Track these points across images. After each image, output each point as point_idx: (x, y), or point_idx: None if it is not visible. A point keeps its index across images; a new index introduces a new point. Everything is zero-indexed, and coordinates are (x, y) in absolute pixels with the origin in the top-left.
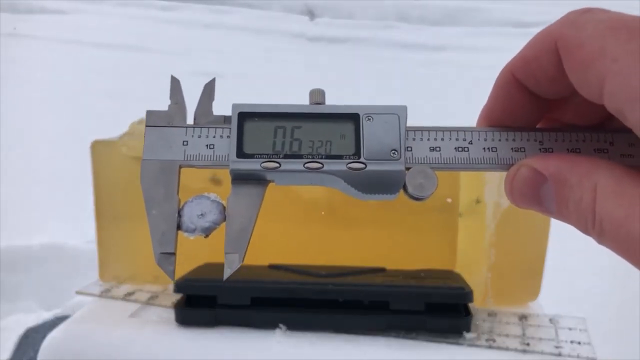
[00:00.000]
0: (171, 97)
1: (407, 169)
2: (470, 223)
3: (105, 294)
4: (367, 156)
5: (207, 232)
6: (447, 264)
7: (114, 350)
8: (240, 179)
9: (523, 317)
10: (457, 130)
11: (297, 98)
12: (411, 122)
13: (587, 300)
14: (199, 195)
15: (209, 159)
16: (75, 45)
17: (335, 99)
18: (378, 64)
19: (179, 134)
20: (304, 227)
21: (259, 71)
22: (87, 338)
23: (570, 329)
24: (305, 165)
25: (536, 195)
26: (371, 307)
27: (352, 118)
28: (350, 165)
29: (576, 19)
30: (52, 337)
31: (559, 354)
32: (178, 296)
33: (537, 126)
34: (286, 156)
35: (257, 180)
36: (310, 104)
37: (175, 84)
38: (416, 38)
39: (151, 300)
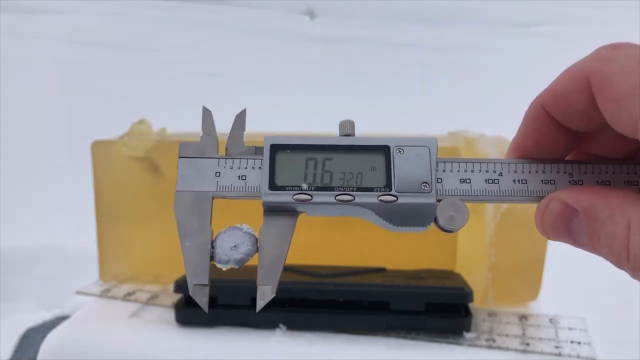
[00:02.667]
0: (203, 128)
1: (438, 201)
2: (470, 223)
3: (105, 294)
4: (398, 189)
5: (239, 264)
6: (447, 264)
7: (114, 350)
8: (272, 210)
9: (523, 317)
10: (487, 162)
11: (297, 98)
12: (411, 121)
13: (587, 300)
14: (231, 226)
15: (241, 190)
16: (75, 45)
17: (336, 99)
18: (378, 64)
19: (212, 165)
20: (304, 227)
21: (258, 71)
22: (87, 338)
23: (570, 329)
24: (337, 197)
25: (567, 229)
26: (371, 307)
27: (382, 150)
28: (381, 197)
29: (607, 55)
30: (52, 337)
31: (559, 354)
32: (178, 296)
33: (567, 158)
34: (318, 188)
35: (288, 211)
36: (340, 135)
37: (207, 115)
38: (416, 38)
39: (151, 300)
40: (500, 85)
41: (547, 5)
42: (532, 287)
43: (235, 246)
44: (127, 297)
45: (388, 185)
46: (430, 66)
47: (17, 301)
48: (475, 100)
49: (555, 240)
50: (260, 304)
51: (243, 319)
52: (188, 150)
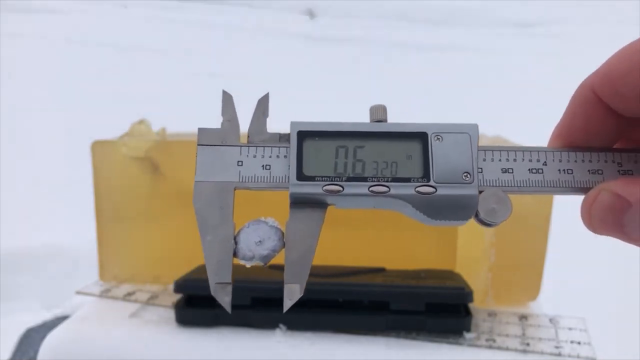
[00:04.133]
0: (223, 114)
1: (479, 192)
2: (471, 223)
3: (105, 294)
4: (437, 179)
5: (265, 260)
6: (447, 264)
7: (114, 350)
8: (299, 202)
9: (523, 317)
10: (531, 150)
11: (297, 97)
12: (411, 121)
13: (587, 300)
14: (255, 220)
15: (265, 180)
16: (75, 45)
17: (336, 99)
18: (378, 64)
19: (233, 153)
20: None
21: (258, 71)
22: (87, 338)
23: (570, 329)
24: (370, 189)
25: (619, 223)
26: (371, 307)
27: (419, 137)
28: (419, 189)
29: None
30: (52, 337)
31: (559, 354)
32: (178, 296)
33: (615, 146)
34: (349, 179)
35: (317, 203)
36: (372, 121)
37: (227, 100)
38: (416, 38)
39: (151, 300)
40: (500, 85)
41: (547, 5)
42: (532, 287)
43: (260, 241)
44: (127, 297)
45: (426, 176)
46: (430, 66)
47: (17, 301)
48: (475, 101)
49: (604, 234)
50: (288, 303)
51: (243, 319)
52: (208, 138)
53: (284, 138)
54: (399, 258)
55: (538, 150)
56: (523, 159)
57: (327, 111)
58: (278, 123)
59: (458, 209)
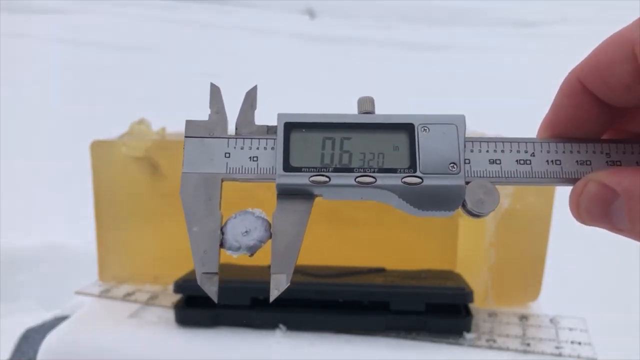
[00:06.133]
0: (211, 106)
1: (466, 183)
2: (471, 223)
3: (104, 294)
4: (423, 170)
5: (252, 250)
6: (447, 264)
7: (113, 351)
8: (286, 193)
9: (523, 318)
10: (518, 141)
11: (297, 97)
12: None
13: (587, 300)
14: (242, 211)
15: (252, 172)
16: (75, 45)
17: (336, 99)
18: (378, 64)
19: (221, 145)
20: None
21: (258, 71)
22: (86, 338)
23: (570, 329)
24: (357, 179)
25: (605, 213)
26: (371, 308)
27: (405, 128)
28: (405, 179)
29: None
30: (52, 337)
31: (560, 354)
32: (178, 296)
33: (603, 137)
34: (336, 169)
35: (304, 194)
36: (359, 113)
37: (215, 92)
38: (416, 38)
39: (151, 301)
40: (499, 85)
41: (547, 5)
42: (533, 287)
43: (247, 232)
44: (127, 297)
45: (412, 166)
46: (430, 66)
47: (17, 301)
48: (474, 100)
49: (591, 225)
50: (274, 293)
51: (243, 319)
52: (195, 129)
53: (271, 130)
54: (399, 258)
55: (526, 141)
56: (511, 150)
57: (326, 111)
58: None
59: (444, 200)
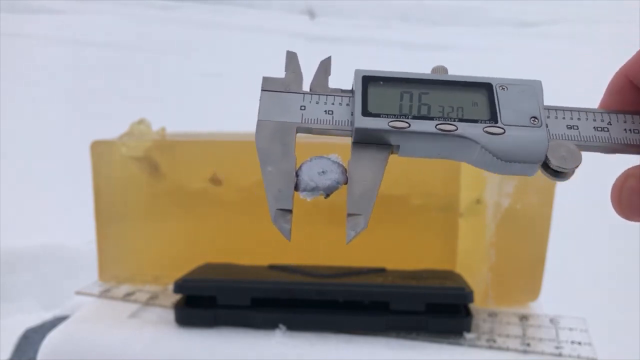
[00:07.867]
0: (287, 69)
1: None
2: (471, 223)
3: (104, 294)
4: (504, 121)
5: (328, 190)
6: (447, 264)
7: (113, 351)
8: (362, 141)
9: (523, 318)
10: (594, 111)
11: None
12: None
13: (587, 300)
14: (317, 156)
15: (327, 122)
16: (75, 45)
17: None
18: (378, 64)
19: (296, 99)
20: (304, 227)
21: (259, 71)
22: (86, 338)
23: (570, 329)
24: (437, 126)
25: None
26: (371, 308)
27: (484, 87)
28: (487, 129)
29: None
30: (52, 337)
31: (560, 355)
32: (178, 296)
33: None
34: (415, 117)
35: (380, 144)
36: None
37: (291, 57)
38: (416, 38)
39: (151, 301)
40: None
41: (547, 5)
42: (533, 287)
43: (323, 172)
44: (127, 297)
45: (493, 118)
46: (430, 66)
47: (17, 301)
48: None
49: (635, 220)
50: (351, 234)
51: (243, 319)
52: (271, 84)
53: (346, 92)
54: (399, 258)
55: (602, 112)
56: (587, 119)
57: None
58: None
59: (527, 152)
